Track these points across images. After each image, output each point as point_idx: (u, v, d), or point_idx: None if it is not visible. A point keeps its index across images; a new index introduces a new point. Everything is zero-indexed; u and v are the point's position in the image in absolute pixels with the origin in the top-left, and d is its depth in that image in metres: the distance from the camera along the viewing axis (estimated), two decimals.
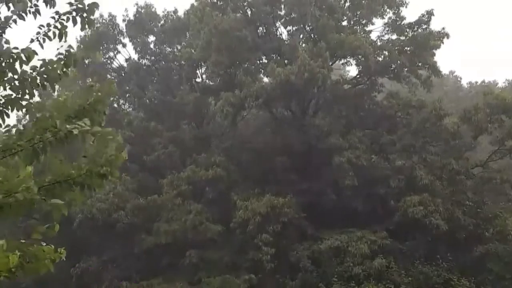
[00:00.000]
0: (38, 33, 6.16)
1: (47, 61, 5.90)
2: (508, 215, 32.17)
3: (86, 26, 6.29)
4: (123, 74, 45.71)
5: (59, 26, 6.08)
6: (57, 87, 6.54)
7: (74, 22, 6.11)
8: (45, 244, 5.54)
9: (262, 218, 30.22)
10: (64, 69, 5.94)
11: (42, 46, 6.15)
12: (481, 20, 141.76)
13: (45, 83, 5.87)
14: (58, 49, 5.95)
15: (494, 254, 30.08)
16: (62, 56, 5.91)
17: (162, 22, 44.20)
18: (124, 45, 44.36)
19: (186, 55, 38.16)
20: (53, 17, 6.06)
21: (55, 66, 5.86)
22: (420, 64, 35.48)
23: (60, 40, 6.11)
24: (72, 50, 5.96)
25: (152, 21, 43.88)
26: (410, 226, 31.01)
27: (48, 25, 6.11)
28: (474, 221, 31.79)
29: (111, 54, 44.54)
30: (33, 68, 5.83)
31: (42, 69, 5.79)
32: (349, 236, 30.54)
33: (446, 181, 32.60)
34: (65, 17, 6.11)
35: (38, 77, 5.85)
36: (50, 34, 6.12)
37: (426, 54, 34.56)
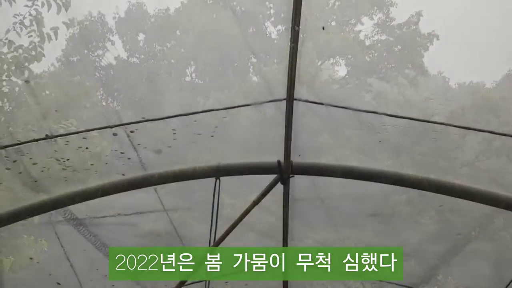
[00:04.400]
0: (14, 22, 6.08)
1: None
2: (494, 214, 32.23)
3: (63, 9, 6.15)
4: (111, 73, 45.47)
5: (34, 13, 6.01)
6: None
7: (49, 7, 6.00)
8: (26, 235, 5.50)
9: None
10: (39, 50, 5.86)
11: (19, 35, 6.08)
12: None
13: (25, 64, 5.78)
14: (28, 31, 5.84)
15: (481, 253, 30.13)
16: (34, 34, 5.83)
17: (152, 20, 43.98)
18: (113, 43, 44.14)
19: (175, 53, 38.02)
20: (26, 5, 5.97)
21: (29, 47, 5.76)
22: (408, 64, 35.55)
23: (37, 27, 6.04)
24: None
25: (143, 19, 43.67)
26: (397, 226, 31.00)
27: (21, 14, 6.02)
28: (461, 220, 31.85)
29: (100, 52, 44.30)
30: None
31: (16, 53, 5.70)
32: (336, 235, 30.51)
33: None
34: (39, 3, 6.01)
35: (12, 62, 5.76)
36: (26, 22, 6.06)
37: (414, 55, 34.65)
